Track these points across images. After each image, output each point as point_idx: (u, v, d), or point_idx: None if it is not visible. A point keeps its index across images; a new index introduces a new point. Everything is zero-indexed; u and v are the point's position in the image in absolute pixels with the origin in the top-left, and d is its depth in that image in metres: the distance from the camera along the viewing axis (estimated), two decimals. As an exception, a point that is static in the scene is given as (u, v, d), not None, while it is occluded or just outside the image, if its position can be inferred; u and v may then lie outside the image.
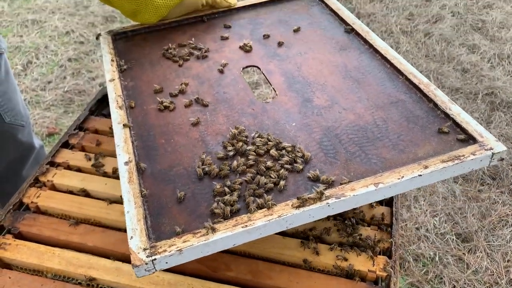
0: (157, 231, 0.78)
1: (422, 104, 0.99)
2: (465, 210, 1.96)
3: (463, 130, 0.90)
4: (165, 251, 0.72)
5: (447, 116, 0.94)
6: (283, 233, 0.96)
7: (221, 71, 1.14)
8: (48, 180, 1.09)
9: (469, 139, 0.88)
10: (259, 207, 0.79)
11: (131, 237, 0.75)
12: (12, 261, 0.93)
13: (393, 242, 0.96)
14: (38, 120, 2.47)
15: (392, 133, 0.93)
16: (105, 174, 1.12)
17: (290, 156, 0.89)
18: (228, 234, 0.74)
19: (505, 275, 1.71)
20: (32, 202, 1.03)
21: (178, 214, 0.81)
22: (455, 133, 0.90)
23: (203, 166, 0.89)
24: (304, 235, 0.98)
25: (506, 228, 1.89)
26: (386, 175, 0.82)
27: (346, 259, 0.92)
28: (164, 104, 1.05)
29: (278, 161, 0.89)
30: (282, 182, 0.83)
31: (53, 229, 0.97)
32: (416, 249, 1.81)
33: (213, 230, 0.75)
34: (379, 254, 0.94)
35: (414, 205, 1.98)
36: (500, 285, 1.69)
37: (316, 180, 0.84)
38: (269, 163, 0.88)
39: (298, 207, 0.78)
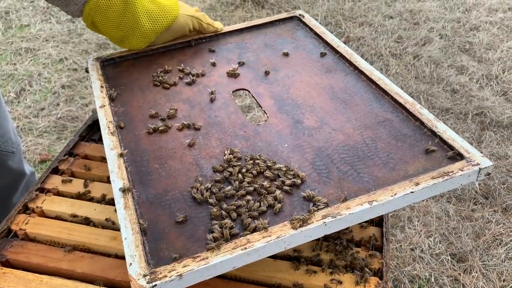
0: (156, 256, 0.77)
1: (408, 123, 1.02)
2: (459, 230, 1.96)
3: (450, 147, 0.93)
4: (165, 276, 0.72)
5: (433, 133, 0.97)
6: (273, 256, 0.97)
7: (212, 100, 1.15)
8: (37, 206, 1.07)
9: (457, 156, 0.91)
10: (255, 230, 0.80)
11: (130, 264, 0.74)
12: None
13: (384, 262, 0.95)
14: (30, 147, 2.44)
15: (381, 151, 0.95)
16: (92, 199, 1.11)
17: (285, 177, 0.90)
18: (228, 257, 0.75)
19: None
20: (20, 229, 1.01)
21: (176, 238, 0.81)
22: (443, 150, 0.93)
23: (198, 192, 0.89)
24: (295, 257, 0.98)
25: (501, 247, 1.89)
26: (379, 193, 0.84)
27: (339, 282, 0.92)
28: (157, 127, 1.06)
29: (274, 182, 0.90)
30: (278, 205, 0.84)
31: (41, 256, 0.96)
32: (411, 270, 1.80)
33: (218, 247, 0.75)
34: (371, 275, 0.94)
35: (408, 226, 1.98)
36: None
37: (310, 200, 0.86)
38: (265, 184, 0.89)
39: (295, 227, 0.79)
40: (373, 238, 1.01)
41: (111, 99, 1.16)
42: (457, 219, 1.99)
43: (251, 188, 0.89)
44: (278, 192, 0.87)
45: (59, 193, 1.12)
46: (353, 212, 0.80)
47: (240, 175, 0.92)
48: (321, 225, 0.79)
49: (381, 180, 0.88)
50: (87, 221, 1.04)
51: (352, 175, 0.90)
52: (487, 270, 1.80)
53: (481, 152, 0.90)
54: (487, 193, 2.13)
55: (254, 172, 0.93)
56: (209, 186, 0.90)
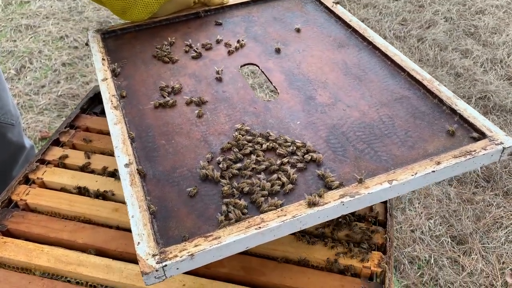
0: (165, 235, 0.73)
1: (426, 100, 0.98)
2: (460, 213, 1.96)
3: (471, 125, 0.89)
4: (176, 256, 0.68)
5: (453, 111, 0.93)
6: None
7: (218, 78, 1.09)
8: (38, 178, 1.05)
9: (480, 135, 0.86)
10: (270, 207, 0.76)
11: (138, 243, 0.70)
12: (0, 258, 0.89)
13: (388, 237, 0.94)
14: (31, 124, 2.40)
15: (399, 129, 0.91)
16: (93, 172, 1.09)
17: (299, 155, 0.86)
18: (242, 237, 0.71)
19: (500, 277, 1.71)
20: (21, 199, 1.00)
21: (186, 217, 0.77)
22: (463, 129, 0.89)
23: (209, 169, 0.85)
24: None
25: (501, 230, 1.90)
26: (399, 172, 0.80)
27: (340, 254, 0.90)
28: (163, 101, 1.01)
29: (287, 159, 0.86)
30: (289, 186, 0.80)
31: (42, 226, 0.94)
32: (411, 251, 1.80)
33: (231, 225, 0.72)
34: (374, 250, 0.92)
35: (409, 208, 1.97)
36: (495, 287, 1.69)
37: (323, 179, 0.82)
38: (278, 162, 0.85)
39: (311, 206, 0.75)
40: (376, 214, 0.99)
41: (114, 74, 1.11)
42: (458, 202, 1.99)
43: (263, 166, 0.85)
44: (291, 170, 0.83)
45: (60, 165, 1.10)
46: (373, 191, 0.77)
47: (251, 153, 0.88)
48: (338, 204, 0.75)
49: (400, 159, 0.84)
50: (88, 193, 1.02)
51: (369, 154, 0.86)
52: (486, 253, 1.80)
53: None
54: (489, 176, 2.11)
55: (265, 148, 0.88)
56: (220, 161, 0.86)
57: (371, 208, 1.01)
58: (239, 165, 0.85)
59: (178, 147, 0.91)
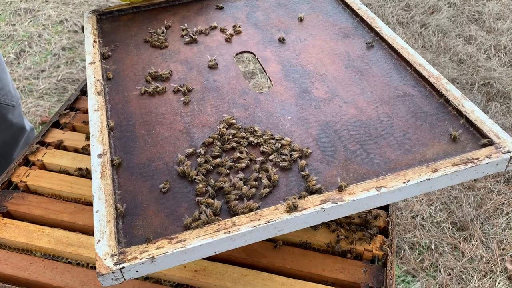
0: (129, 234, 0.69)
1: (431, 99, 0.89)
2: (461, 199, 1.93)
3: (477, 130, 0.80)
4: (135, 258, 0.63)
5: (459, 113, 0.84)
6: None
7: (211, 67, 1.03)
8: (38, 160, 1.03)
9: (488, 144, 0.78)
10: (244, 210, 0.70)
11: (98, 241, 0.66)
12: (0, 239, 0.88)
13: (390, 221, 0.90)
14: (31, 109, 2.39)
15: (397, 130, 0.83)
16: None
17: (283, 153, 0.80)
18: (209, 241, 0.65)
19: (500, 263, 1.69)
20: (21, 181, 0.98)
21: (154, 215, 0.72)
22: (468, 133, 0.81)
23: (184, 165, 0.79)
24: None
25: (502, 216, 1.87)
26: (390, 178, 0.73)
27: (343, 237, 0.86)
28: (148, 89, 0.96)
29: (270, 158, 0.80)
30: (265, 190, 0.73)
31: (42, 208, 0.93)
32: (411, 237, 1.79)
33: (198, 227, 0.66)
34: (376, 233, 0.88)
35: None
36: (495, 273, 1.66)
37: (306, 181, 0.75)
38: (260, 159, 0.79)
39: (289, 211, 0.68)
40: None
41: (103, 57, 1.06)
42: (459, 188, 1.97)
43: (243, 164, 0.79)
44: (273, 170, 0.77)
45: (60, 147, 1.08)
46: (357, 198, 0.70)
47: (233, 149, 0.82)
48: (318, 211, 0.69)
49: (393, 163, 0.77)
50: (88, 175, 0.99)
51: (360, 156, 0.79)
52: (487, 239, 1.79)
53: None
54: None
55: (246, 144, 0.82)
56: (199, 155, 0.80)
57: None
58: (218, 160, 0.80)
59: (158, 139, 0.86)
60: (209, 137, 0.84)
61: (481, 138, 0.79)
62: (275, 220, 0.68)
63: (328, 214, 0.69)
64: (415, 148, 0.79)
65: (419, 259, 1.71)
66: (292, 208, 0.68)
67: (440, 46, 2.87)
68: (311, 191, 0.72)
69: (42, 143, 1.08)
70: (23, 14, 3.15)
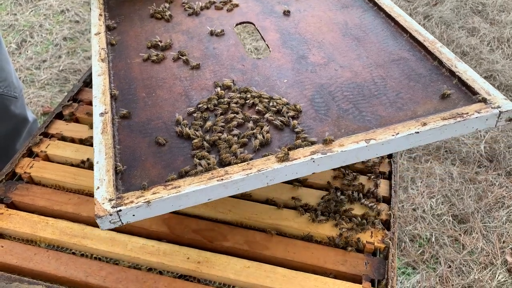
0: (127, 183, 0.72)
1: (426, 62, 0.91)
2: (462, 192, 1.93)
3: (469, 88, 0.82)
4: (131, 202, 0.67)
5: (452, 74, 0.86)
6: (278, 205, 0.92)
7: (212, 35, 1.06)
8: (41, 151, 1.04)
9: (476, 100, 0.79)
10: (237, 161, 0.73)
11: (98, 188, 0.69)
12: (4, 230, 0.88)
13: (392, 214, 0.90)
14: (33, 99, 2.41)
15: (390, 90, 0.85)
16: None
17: (277, 108, 0.82)
18: (202, 187, 0.68)
19: (500, 256, 1.69)
20: (25, 172, 0.98)
21: (152, 167, 0.75)
22: (460, 92, 0.82)
23: (181, 125, 0.82)
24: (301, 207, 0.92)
25: (502, 209, 1.86)
26: (380, 132, 0.74)
27: (345, 230, 0.87)
28: (150, 55, 0.99)
29: (264, 115, 0.82)
30: (256, 141, 0.76)
31: (46, 199, 0.93)
32: (412, 229, 1.78)
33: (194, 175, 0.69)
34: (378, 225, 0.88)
35: (411, 187, 1.95)
36: (495, 265, 1.66)
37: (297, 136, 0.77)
38: (254, 117, 0.82)
39: (280, 161, 0.71)
40: (375, 189, 0.94)
41: (108, 29, 1.10)
42: (461, 181, 1.95)
43: (235, 122, 0.81)
44: (266, 128, 0.79)
45: (63, 138, 1.08)
46: (346, 149, 0.72)
47: (228, 108, 0.85)
48: (308, 161, 0.71)
49: (384, 119, 0.79)
50: (91, 166, 0.99)
51: (352, 114, 0.81)
52: (487, 232, 1.78)
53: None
54: (492, 156, 2.06)
55: (243, 103, 0.85)
56: (194, 114, 0.83)
57: (376, 184, 0.97)
58: (213, 118, 0.82)
59: (158, 100, 0.89)
60: (208, 99, 0.87)
61: (472, 96, 0.80)
62: (266, 169, 0.70)
63: (318, 164, 0.72)
64: (406, 106, 0.81)
65: (419, 251, 1.71)
66: (283, 158, 0.71)
67: (443, 38, 2.85)
68: (304, 141, 0.74)
69: (46, 135, 1.09)
70: (24, 4, 3.15)
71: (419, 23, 2.96)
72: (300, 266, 0.83)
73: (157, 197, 0.67)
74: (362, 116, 0.80)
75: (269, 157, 0.73)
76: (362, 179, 0.98)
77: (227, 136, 0.78)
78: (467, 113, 0.75)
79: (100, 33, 1.07)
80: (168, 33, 1.08)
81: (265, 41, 1.03)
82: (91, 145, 1.05)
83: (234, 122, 0.81)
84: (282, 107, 0.83)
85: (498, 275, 1.62)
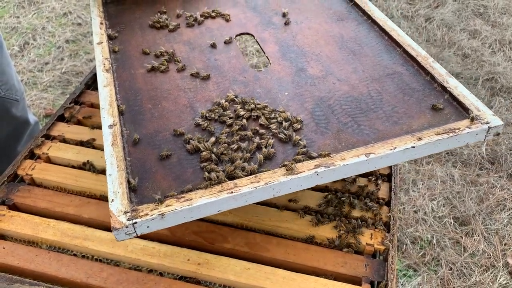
0: (139, 195, 0.75)
1: (418, 77, 0.96)
2: (463, 194, 1.94)
3: (460, 104, 0.87)
4: (146, 214, 0.70)
5: (444, 89, 0.91)
6: (279, 207, 0.95)
7: (213, 46, 1.09)
8: (43, 153, 1.05)
9: (467, 114, 0.85)
10: (245, 173, 0.77)
11: (112, 200, 0.72)
12: (6, 231, 0.90)
13: (392, 216, 0.93)
14: (35, 101, 2.42)
15: (386, 104, 0.90)
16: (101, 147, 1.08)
17: (280, 123, 0.86)
18: (213, 200, 0.72)
19: (502, 258, 1.71)
20: (26, 174, 1.00)
21: (163, 179, 0.78)
22: (451, 107, 0.88)
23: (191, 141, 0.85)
24: (304, 209, 0.96)
25: (504, 212, 1.88)
26: (378, 146, 0.79)
27: (343, 232, 0.90)
28: (155, 66, 1.02)
29: (268, 129, 0.86)
30: (260, 156, 0.80)
31: (48, 201, 0.95)
32: (413, 232, 1.79)
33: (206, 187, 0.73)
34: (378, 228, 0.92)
35: (413, 189, 1.97)
36: (496, 267, 1.68)
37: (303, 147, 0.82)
38: (259, 130, 0.86)
39: (285, 174, 0.75)
40: (376, 190, 0.99)
41: (110, 38, 1.12)
42: (462, 183, 1.97)
43: (243, 133, 0.85)
44: (271, 141, 0.83)
45: (65, 140, 1.10)
46: (348, 163, 0.76)
47: (232, 121, 0.88)
48: (312, 174, 0.75)
49: (382, 133, 0.84)
50: (93, 168, 1.02)
51: (352, 127, 0.86)
52: (489, 234, 1.79)
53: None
54: (493, 158, 2.09)
55: (247, 116, 0.89)
56: (202, 127, 0.87)
57: (376, 185, 1.01)
58: (219, 132, 0.86)
59: (164, 112, 0.92)
60: (209, 110, 0.90)
61: (463, 112, 0.86)
62: (273, 182, 0.74)
63: (321, 177, 0.76)
64: (402, 120, 0.86)
65: (420, 254, 1.71)
66: (289, 170, 0.75)
67: (444, 41, 2.88)
68: (303, 155, 0.79)
69: (48, 137, 1.10)
70: (27, 6, 3.15)
71: (421, 26, 3.00)
72: (300, 268, 0.85)
73: (171, 209, 0.71)
74: (360, 129, 0.85)
75: (276, 170, 0.77)
76: (362, 181, 1.01)
77: (233, 149, 0.82)
78: (458, 129, 0.81)
79: (102, 42, 1.09)
80: (170, 43, 1.11)
81: (265, 53, 1.07)
82: (93, 147, 1.08)
83: (240, 135, 0.84)
84: (286, 120, 0.87)
85: (500, 278, 1.64)
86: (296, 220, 0.93)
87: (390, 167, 1.05)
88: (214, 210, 0.73)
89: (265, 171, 0.77)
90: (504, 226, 1.83)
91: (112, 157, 0.80)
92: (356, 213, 0.95)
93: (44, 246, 0.89)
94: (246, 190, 0.73)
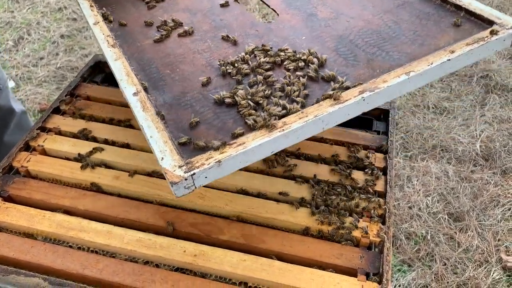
0: (187, 150, 0.71)
1: (429, 3, 0.96)
2: (457, 190, 1.95)
3: (478, 17, 0.88)
4: (203, 164, 0.66)
5: (458, 8, 0.91)
6: (276, 199, 0.93)
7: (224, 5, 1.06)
8: (38, 145, 1.02)
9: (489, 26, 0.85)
10: (287, 114, 0.74)
11: (162, 158, 0.68)
12: (1, 223, 0.87)
13: (387, 208, 0.90)
14: (30, 96, 2.35)
15: (406, 31, 0.90)
16: (95, 140, 1.05)
17: (308, 63, 0.85)
18: (266, 140, 0.69)
19: (495, 254, 1.71)
20: (22, 166, 0.97)
21: (206, 132, 0.75)
22: (470, 22, 0.88)
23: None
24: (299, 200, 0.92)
25: (498, 208, 1.88)
26: (415, 64, 0.79)
27: (340, 223, 0.88)
28: (162, 34, 0.98)
29: (297, 71, 0.84)
30: (301, 95, 0.78)
31: (43, 192, 0.92)
32: (408, 227, 1.80)
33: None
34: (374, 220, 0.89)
35: (407, 185, 1.97)
36: (490, 263, 1.68)
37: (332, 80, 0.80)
38: (288, 73, 0.84)
39: (332, 105, 0.73)
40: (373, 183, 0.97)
41: (104, 17, 1.07)
42: (456, 179, 1.99)
43: (275, 79, 0.83)
44: (302, 80, 0.81)
45: (60, 133, 1.06)
46: (391, 84, 0.75)
47: (260, 68, 0.86)
48: (359, 100, 0.74)
49: (412, 55, 0.83)
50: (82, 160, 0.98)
51: (380, 55, 0.85)
52: (482, 230, 1.81)
53: (484, 115, 0.84)
54: (488, 155, 2.10)
55: (271, 61, 0.87)
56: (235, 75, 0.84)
57: (373, 175, 0.98)
58: (252, 78, 0.83)
59: (185, 74, 0.88)
60: (236, 60, 0.88)
61: (483, 24, 0.86)
62: (322, 114, 0.72)
63: (367, 103, 0.75)
64: (427, 41, 0.86)
65: (415, 249, 1.72)
66: (336, 100, 0.73)
67: None
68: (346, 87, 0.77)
69: (43, 129, 1.07)
70: (22, 1, 3.06)
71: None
72: (296, 259, 0.83)
73: (226, 155, 0.67)
74: (390, 56, 0.84)
75: (321, 102, 0.75)
76: (358, 174, 0.98)
77: (267, 95, 0.79)
78: (487, 36, 0.81)
79: (98, 22, 1.04)
80: (168, 13, 1.07)
81: (269, 6, 1.05)
82: (88, 139, 1.05)
83: (270, 81, 0.82)
84: (313, 56, 0.85)
85: (493, 273, 1.65)
86: (292, 212, 0.89)
87: (386, 160, 1.01)
88: (267, 151, 0.71)
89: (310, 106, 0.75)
90: (498, 222, 1.84)
91: (147, 121, 0.75)
92: (352, 203, 0.92)
93: (39, 238, 0.86)
94: (297, 126, 0.71)
